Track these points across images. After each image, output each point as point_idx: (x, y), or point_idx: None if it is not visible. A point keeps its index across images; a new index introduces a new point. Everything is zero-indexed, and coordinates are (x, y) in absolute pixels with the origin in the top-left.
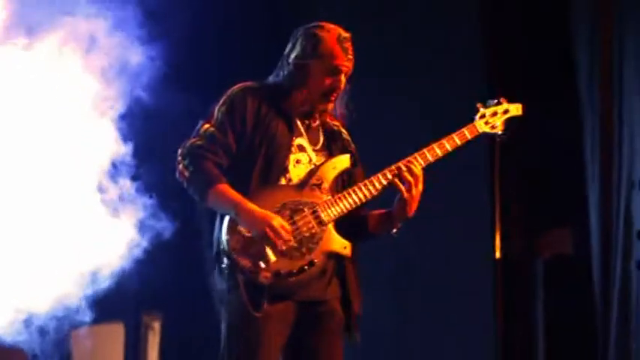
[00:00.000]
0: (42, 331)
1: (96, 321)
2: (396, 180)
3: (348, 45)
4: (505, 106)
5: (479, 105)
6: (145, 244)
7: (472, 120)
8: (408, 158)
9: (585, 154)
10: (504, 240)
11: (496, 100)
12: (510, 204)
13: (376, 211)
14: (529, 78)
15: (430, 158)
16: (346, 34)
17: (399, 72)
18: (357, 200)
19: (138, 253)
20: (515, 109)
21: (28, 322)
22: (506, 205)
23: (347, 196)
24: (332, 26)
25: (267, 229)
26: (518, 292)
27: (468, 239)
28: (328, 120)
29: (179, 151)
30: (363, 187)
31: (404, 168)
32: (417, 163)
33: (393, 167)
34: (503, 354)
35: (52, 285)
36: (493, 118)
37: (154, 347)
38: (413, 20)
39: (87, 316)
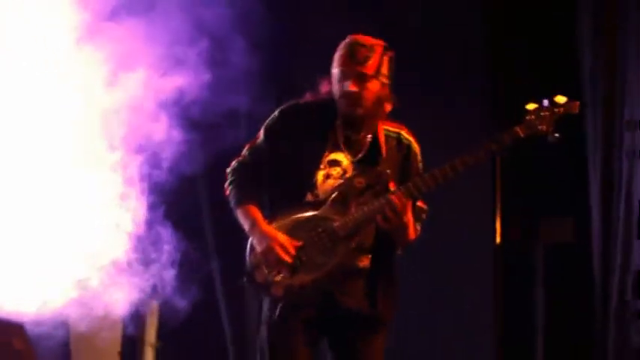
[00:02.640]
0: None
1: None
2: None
3: (359, 49)
4: (555, 105)
5: (527, 106)
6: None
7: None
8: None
9: (588, 142)
10: (505, 226)
11: (548, 101)
12: (512, 190)
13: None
14: (531, 70)
15: (458, 167)
16: (364, 42)
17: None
18: (370, 215)
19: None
20: (569, 108)
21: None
22: (508, 190)
23: (362, 210)
24: (357, 35)
25: (266, 248)
26: (518, 278)
27: (469, 224)
28: (385, 133)
29: (227, 170)
30: (376, 203)
31: (388, 206)
32: (409, 192)
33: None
34: (503, 340)
35: (54, 268)
36: (539, 120)
37: (152, 326)
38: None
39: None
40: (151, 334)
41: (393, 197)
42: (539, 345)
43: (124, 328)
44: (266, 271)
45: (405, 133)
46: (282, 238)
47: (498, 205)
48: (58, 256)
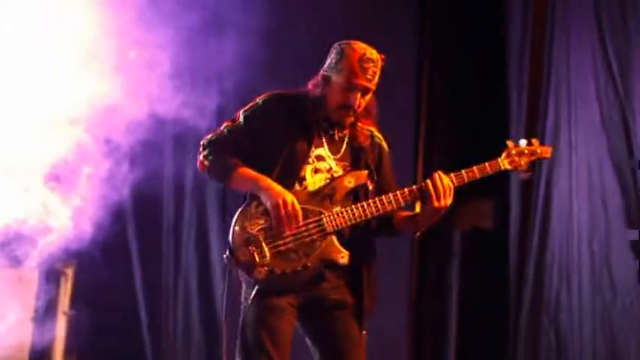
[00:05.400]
0: None
1: (10, 266)
2: (423, 191)
3: (369, 66)
4: (534, 147)
5: (508, 142)
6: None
7: (499, 155)
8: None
9: (510, 127)
10: None
11: (526, 141)
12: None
13: (404, 213)
14: (461, 57)
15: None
16: (371, 56)
17: None
18: (363, 215)
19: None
20: (544, 152)
21: None
22: (427, 175)
23: (354, 209)
24: (361, 46)
25: (280, 201)
26: (434, 262)
27: None
28: (361, 131)
29: (201, 143)
30: (372, 204)
31: (436, 177)
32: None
33: (408, 189)
34: (416, 324)
35: None
36: (519, 157)
37: (65, 294)
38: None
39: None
40: (64, 302)
41: (440, 175)
42: (452, 330)
43: (38, 294)
44: (253, 251)
45: (376, 132)
46: (294, 198)
47: None
48: None
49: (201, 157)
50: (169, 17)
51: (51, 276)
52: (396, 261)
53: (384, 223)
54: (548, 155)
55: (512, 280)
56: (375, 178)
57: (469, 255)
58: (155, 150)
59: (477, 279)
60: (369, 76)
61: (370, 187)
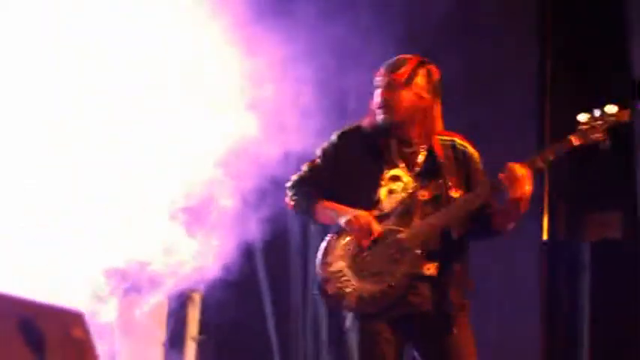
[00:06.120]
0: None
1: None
2: (498, 184)
3: (392, 61)
4: (607, 114)
5: (578, 116)
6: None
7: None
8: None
9: (634, 135)
10: (552, 222)
11: (599, 111)
12: (558, 186)
13: (498, 208)
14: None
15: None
16: (397, 56)
17: None
18: (440, 221)
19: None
20: (620, 116)
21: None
22: (554, 187)
23: (431, 219)
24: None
25: (353, 217)
26: (564, 275)
27: None
28: (439, 142)
29: (287, 185)
30: (447, 209)
31: (509, 168)
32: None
33: (482, 185)
34: (548, 338)
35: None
36: (592, 129)
37: (194, 319)
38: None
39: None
40: (192, 328)
41: (513, 165)
42: (585, 343)
43: (168, 319)
44: (339, 282)
45: (459, 140)
46: (369, 216)
47: (545, 202)
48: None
49: (287, 198)
50: (305, 55)
51: (179, 304)
52: (526, 269)
53: (478, 222)
54: (625, 118)
55: None
56: (464, 185)
57: (599, 266)
58: (281, 186)
59: (607, 290)
60: (389, 69)
61: (457, 195)
